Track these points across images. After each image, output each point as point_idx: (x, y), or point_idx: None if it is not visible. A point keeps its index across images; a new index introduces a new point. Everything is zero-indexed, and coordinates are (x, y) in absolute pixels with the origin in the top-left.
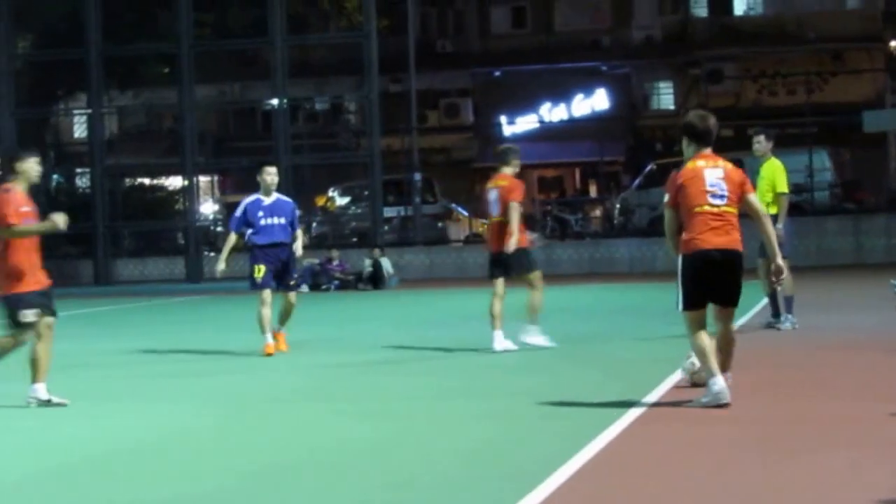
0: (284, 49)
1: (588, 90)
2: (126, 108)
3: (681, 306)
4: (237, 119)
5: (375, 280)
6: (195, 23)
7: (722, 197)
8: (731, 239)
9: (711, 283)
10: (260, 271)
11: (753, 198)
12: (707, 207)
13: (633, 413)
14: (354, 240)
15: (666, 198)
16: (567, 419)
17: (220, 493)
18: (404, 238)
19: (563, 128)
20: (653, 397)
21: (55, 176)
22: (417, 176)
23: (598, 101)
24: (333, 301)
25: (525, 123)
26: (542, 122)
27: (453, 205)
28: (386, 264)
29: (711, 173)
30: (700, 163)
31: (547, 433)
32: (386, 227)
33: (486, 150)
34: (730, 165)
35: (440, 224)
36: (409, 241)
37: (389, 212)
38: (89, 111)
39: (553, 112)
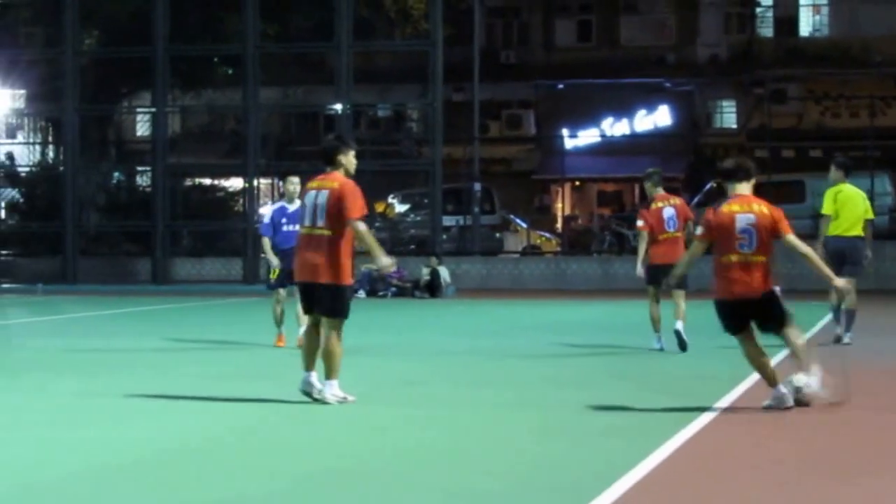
0: (349, 54)
1: (651, 106)
2: (189, 107)
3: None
4: (299, 123)
5: (432, 288)
6: (261, 25)
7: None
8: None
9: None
10: (275, 273)
11: (791, 238)
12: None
13: (692, 427)
14: (413, 247)
15: (699, 230)
16: (621, 434)
17: (272, 495)
18: (462, 247)
19: (625, 143)
20: (707, 413)
21: (116, 173)
22: (477, 186)
23: (660, 117)
24: (389, 308)
25: (586, 137)
26: (603, 136)
27: (512, 216)
28: (443, 273)
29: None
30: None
31: (602, 447)
32: (444, 236)
33: (547, 162)
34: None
35: (498, 235)
36: (466, 251)
37: (448, 221)
38: (153, 110)
39: (615, 127)
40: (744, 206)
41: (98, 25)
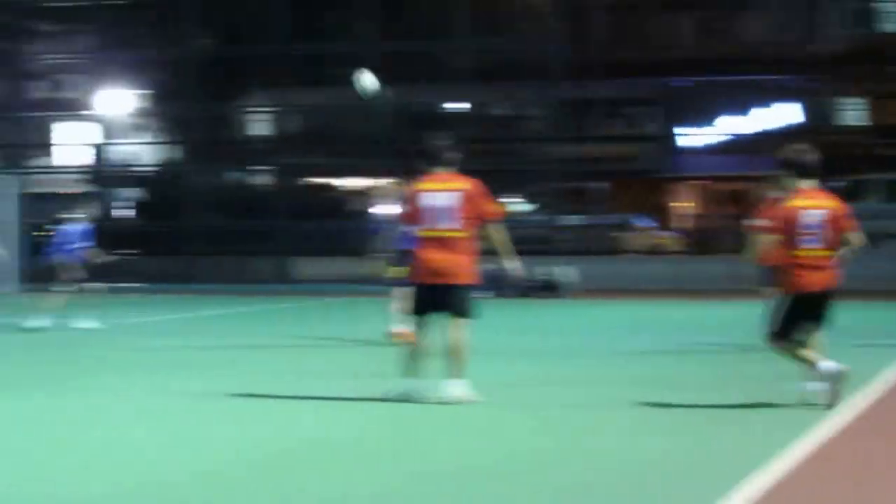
0: (468, 52)
1: (774, 103)
2: (308, 106)
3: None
4: (418, 121)
5: (553, 288)
6: (381, 23)
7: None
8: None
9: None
10: (397, 271)
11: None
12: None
13: (822, 430)
14: (533, 247)
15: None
16: (749, 432)
17: (383, 495)
18: (583, 247)
19: (747, 140)
20: (826, 420)
21: (236, 173)
22: (598, 184)
23: (783, 114)
24: (511, 308)
25: (708, 135)
26: (725, 133)
27: (633, 215)
28: (564, 273)
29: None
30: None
31: (730, 445)
32: (565, 235)
33: (668, 161)
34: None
35: (619, 234)
36: (587, 251)
37: (571, 220)
38: (272, 108)
39: (737, 124)
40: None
41: (217, 23)
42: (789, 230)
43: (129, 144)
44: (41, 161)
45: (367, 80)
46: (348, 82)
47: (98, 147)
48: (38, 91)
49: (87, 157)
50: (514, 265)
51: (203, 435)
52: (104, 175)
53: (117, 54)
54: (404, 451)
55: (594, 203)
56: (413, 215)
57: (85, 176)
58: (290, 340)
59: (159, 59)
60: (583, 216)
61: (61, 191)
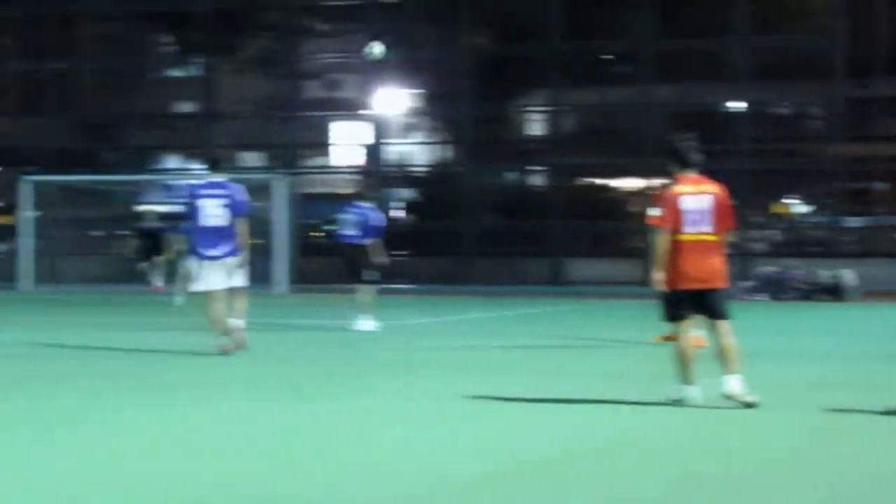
0: (747, 50)
1: None
2: (582, 106)
3: None
4: (694, 121)
5: (836, 291)
6: (657, 21)
7: None
8: None
9: None
10: None
11: None
12: None
13: None
14: (814, 249)
15: None
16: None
17: (651, 500)
18: (868, 249)
19: None
20: None
21: (510, 173)
22: (881, 185)
23: None
24: (791, 311)
25: None
26: None
27: None
28: (847, 275)
29: None
30: None
31: None
32: (846, 237)
33: None
34: None
35: None
36: (873, 252)
37: (852, 221)
38: (546, 108)
39: None
40: None
41: (491, 23)
42: None
43: (404, 144)
44: (314, 161)
45: (377, 49)
46: (624, 81)
47: (372, 147)
48: (312, 91)
49: (361, 158)
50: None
51: (480, 435)
52: (378, 175)
53: (392, 54)
54: (669, 453)
55: (877, 204)
56: (672, 219)
57: (358, 176)
58: (564, 342)
59: (434, 58)
60: (865, 217)
61: (335, 191)
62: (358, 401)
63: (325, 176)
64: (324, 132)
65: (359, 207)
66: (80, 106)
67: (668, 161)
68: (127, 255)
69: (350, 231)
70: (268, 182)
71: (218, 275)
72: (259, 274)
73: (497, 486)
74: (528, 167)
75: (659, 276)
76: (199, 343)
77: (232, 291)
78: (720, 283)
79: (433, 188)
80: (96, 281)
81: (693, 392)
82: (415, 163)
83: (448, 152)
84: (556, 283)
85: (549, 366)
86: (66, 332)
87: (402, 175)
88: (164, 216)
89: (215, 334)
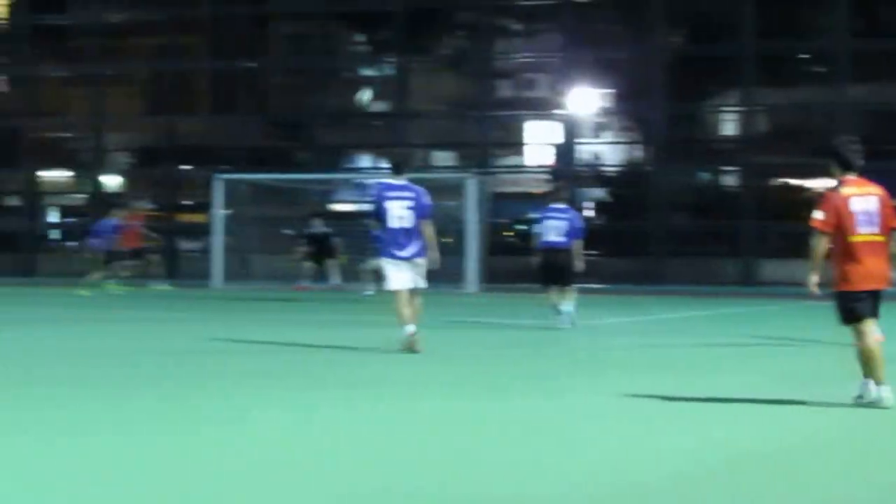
0: None
1: None
2: (776, 106)
3: None
4: (888, 120)
5: None
6: (851, 20)
7: None
8: None
9: None
10: None
11: None
12: None
13: None
14: None
15: None
16: None
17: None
18: None
19: None
20: None
21: (702, 173)
22: None
23: None
24: None
25: None
26: None
27: None
28: None
29: None
30: None
31: None
32: None
33: None
34: None
35: None
36: None
37: None
38: (739, 108)
39: None
40: None
41: (685, 23)
42: None
43: (595, 144)
44: (505, 161)
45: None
46: (818, 80)
47: (563, 146)
48: (504, 90)
49: (552, 157)
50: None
51: (670, 434)
52: (570, 174)
53: (583, 53)
54: (866, 459)
55: None
56: (843, 220)
57: (549, 175)
58: (758, 341)
59: (626, 57)
60: None
61: (525, 191)
62: (554, 400)
63: (516, 175)
64: (515, 131)
65: (561, 211)
66: (271, 105)
67: (829, 163)
68: (295, 259)
69: (555, 237)
70: (459, 181)
71: (407, 274)
72: (450, 273)
73: (685, 488)
74: (720, 167)
75: (814, 280)
76: (389, 340)
77: (412, 292)
78: (887, 285)
79: (623, 188)
80: (285, 279)
81: (885, 392)
82: (605, 162)
83: (638, 152)
84: (748, 283)
85: (737, 365)
86: (255, 329)
87: (592, 175)
88: (330, 219)
89: (402, 333)
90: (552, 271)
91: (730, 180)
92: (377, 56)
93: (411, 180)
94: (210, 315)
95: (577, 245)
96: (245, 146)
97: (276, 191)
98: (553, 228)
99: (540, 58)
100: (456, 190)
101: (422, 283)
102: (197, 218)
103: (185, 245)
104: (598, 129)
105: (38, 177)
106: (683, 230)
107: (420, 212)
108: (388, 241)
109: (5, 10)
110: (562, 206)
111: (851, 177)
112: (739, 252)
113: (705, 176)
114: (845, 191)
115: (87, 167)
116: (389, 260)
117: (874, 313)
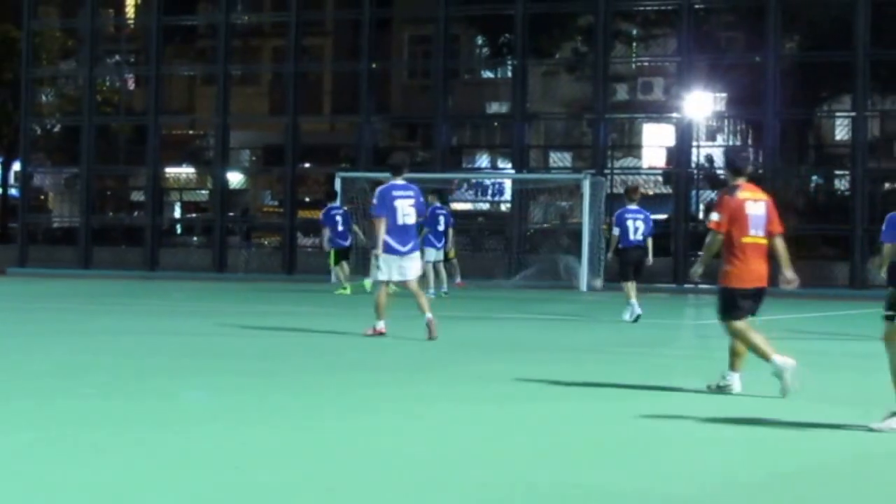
0: None
1: None
2: (889, 112)
3: None
4: None
5: None
6: None
7: None
8: None
9: None
10: None
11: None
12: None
13: None
14: None
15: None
16: None
17: None
18: None
19: None
20: None
21: (815, 177)
22: None
23: None
24: None
25: None
26: None
27: None
28: None
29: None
30: None
31: None
32: None
33: None
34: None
35: None
36: None
37: None
38: (853, 114)
39: None
40: None
41: (800, 30)
42: None
43: (709, 147)
44: (621, 162)
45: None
46: None
47: (677, 149)
48: (621, 93)
49: (667, 160)
50: (791, 275)
51: (775, 435)
52: (684, 178)
53: (700, 58)
54: None
55: None
56: (738, 222)
57: (665, 177)
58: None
59: (741, 63)
60: None
61: (642, 191)
62: (641, 401)
63: (632, 177)
64: (631, 134)
65: (638, 211)
66: (393, 106)
67: (728, 170)
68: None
69: (634, 236)
70: (576, 182)
71: (405, 266)
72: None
73: (784, 488)
74: (833, 171)
75: (699, 272)
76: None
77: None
78: (766, 284)
79: None
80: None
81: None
82: (719, 166)
83: (752, 156)
84: (858, 287)
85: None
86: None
87: (705, 177)
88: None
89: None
90: (633, 268)
91: (842, 185)
92: (497, 58)
93: (529, 178)
94: (341, 311)
95: (649, 243)
96: (368, 146)
97: None
98: (633, 228)
99: (657, 62)
100: (573, 191)
101: (419, 273)
102: (317, 215)
103: (303, 241)
104: (713, 132)
105: (164, 173)
106: (794, 233)
107: (420, 209)
108: (393, 238)
109: (135, 10)
110: (636, 207)
111: (742, 181)
112: (851, 256)
113: (817, 180)
114: (741, 195)
115: (211, 164)
116: (390, 255)
117: (754, 311)
